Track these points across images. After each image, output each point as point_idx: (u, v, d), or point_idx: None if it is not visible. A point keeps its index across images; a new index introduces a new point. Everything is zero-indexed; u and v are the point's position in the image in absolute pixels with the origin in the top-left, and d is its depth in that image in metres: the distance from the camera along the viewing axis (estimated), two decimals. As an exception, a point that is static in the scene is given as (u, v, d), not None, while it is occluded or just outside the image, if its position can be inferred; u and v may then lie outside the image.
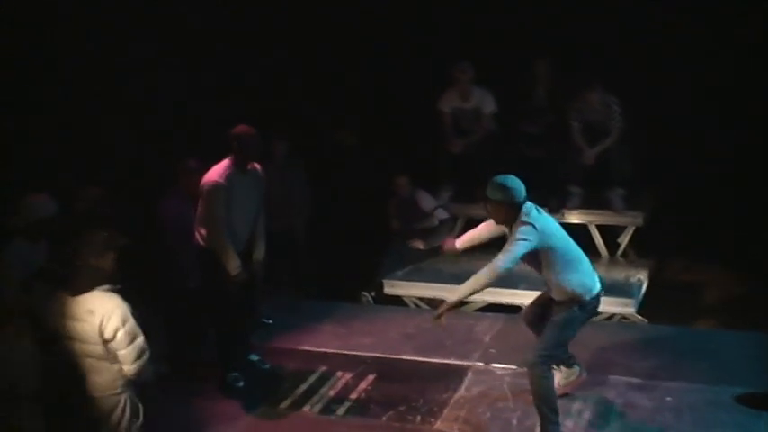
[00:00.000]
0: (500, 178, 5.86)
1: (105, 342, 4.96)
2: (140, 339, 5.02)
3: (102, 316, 4.92)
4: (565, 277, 5.91)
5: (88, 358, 5.02)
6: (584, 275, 6.00)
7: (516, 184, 5.82)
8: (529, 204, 5.82)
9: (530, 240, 5.70)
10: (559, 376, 6.51)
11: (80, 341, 4.99)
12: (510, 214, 5.81)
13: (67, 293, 5.01)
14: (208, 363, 7.26)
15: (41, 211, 6.06)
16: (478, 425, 6.32)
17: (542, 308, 6.25)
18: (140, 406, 5.22)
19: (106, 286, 5.00)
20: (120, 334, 4.94)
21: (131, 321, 4.98)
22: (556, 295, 6.01)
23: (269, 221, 7.42)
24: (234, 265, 6.71)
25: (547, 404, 5.94)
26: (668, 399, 6.53)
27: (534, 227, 5.71)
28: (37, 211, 6.04)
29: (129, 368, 5.01)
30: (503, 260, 5.72)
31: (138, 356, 5.00)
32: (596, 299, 6.06)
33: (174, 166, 7.35)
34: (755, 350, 7.23)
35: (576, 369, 6.56)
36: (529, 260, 5.90)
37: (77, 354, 5.02)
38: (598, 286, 6.06)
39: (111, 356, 5.00)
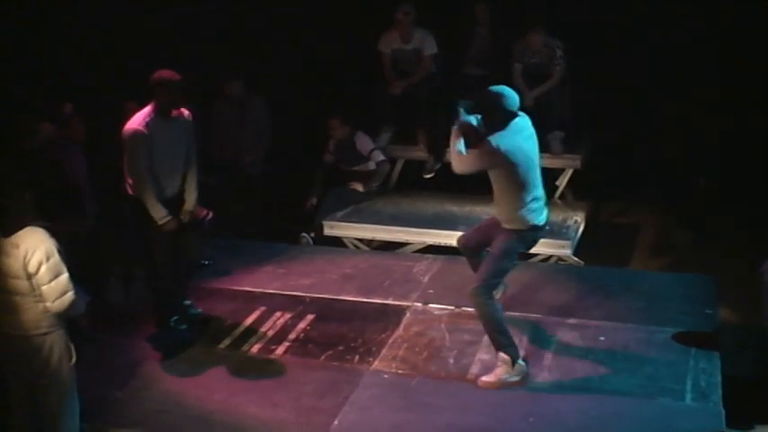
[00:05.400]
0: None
1: (29, 277, 4.95)
2: (64, 276, 5.01)
3: (27, 249, 4.93)
4: (515, 203, 6.02)
5: (13, 295, 5.00)
6: (533, 205, 6.07)
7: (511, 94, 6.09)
8: (515, 121, 6.04)
9: (487, 158, 5.92)
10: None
11: (6, 276, 4.98)
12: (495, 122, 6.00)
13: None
14: (138, 304, 7.26)
15: None
16: (416, 364, 6.39)
17: (483, 236, 6.36)
18: (72, 346, 5.20)
19: (35, 223, 4.99)
20: (43, 269, 4.93)
21: (56, 257, 4.97)
22: (502, 218, 6.14)
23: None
24: (159, 214, 6.52)
25: (495, 329, 6.09)
26: (601, 338, 6.64)
27: (499, 147, 5.85)
28: None
29: (52, 305, 5.00)
30: (463, 167, 6.08)
31: (61, 294, 4.99)
32: (537, 232, 6.20)
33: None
34: (687, 291, 7.36)
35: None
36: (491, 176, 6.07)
37: (2, 290, 5.01)
38: (542, 220, 6.16)
39: (36, 293, 4.98)
